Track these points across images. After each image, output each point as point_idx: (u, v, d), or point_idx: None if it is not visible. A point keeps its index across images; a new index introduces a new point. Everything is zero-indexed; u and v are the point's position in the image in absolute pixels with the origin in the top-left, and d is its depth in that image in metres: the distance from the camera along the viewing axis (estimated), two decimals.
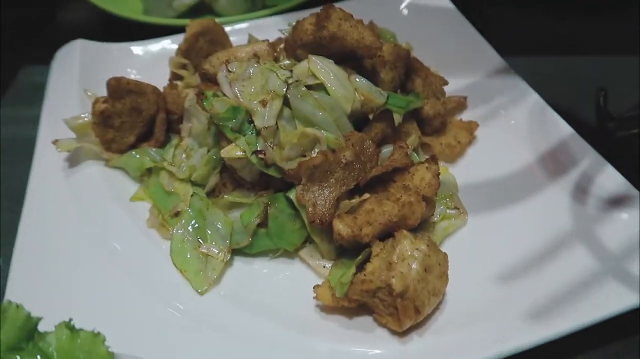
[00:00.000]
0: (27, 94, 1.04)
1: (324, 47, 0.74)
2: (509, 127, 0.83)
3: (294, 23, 0.92)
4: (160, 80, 0.92)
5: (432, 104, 0.80)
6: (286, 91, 0.67)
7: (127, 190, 0.76)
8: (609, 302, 0.56)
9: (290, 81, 0.68)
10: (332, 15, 0.72)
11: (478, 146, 0.83)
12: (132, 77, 0.93)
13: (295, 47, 0.76)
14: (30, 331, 0.42)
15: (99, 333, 0.43)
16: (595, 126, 0.92)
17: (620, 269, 0.60)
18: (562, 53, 1.14)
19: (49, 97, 0.87)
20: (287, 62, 0.73)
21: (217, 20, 1.03)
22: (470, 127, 0.83)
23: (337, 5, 1.08)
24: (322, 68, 0.70)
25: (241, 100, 0.68)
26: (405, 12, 1.10)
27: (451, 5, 1.09)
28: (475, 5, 1.19)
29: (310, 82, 0.69)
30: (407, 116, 0.79)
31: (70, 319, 0.43)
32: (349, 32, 0.73)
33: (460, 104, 0.88)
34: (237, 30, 1.03)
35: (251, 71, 0.70)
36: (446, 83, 0.85)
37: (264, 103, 0.66)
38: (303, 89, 0.67)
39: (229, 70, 0.73)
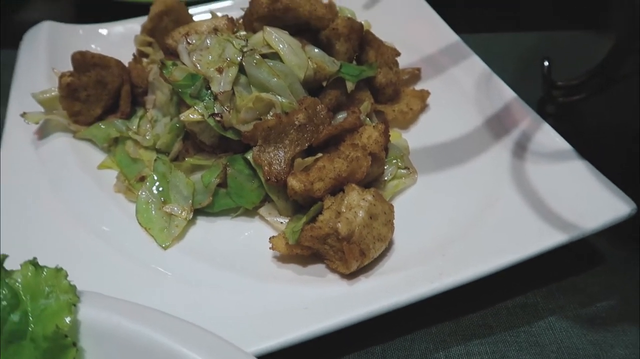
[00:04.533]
0: None
1: (279, 19, 0.78)
2: (458, 95, 0.88)
3: None
4: (126, 59, 0.95)
5: (384, 73, 0.85)
6: (241, 59, 0.71)
7: (95, 160, 0.79)
8: (534, 241, 0.62)
9: (245, 50, 0.72)
10: None
11: (429, 113, 0.88)
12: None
13: (252, 21, 0.80)
14: None
15: (61, 269, 0.47)
16: (541, 94, 0.99)
17: (549, 212, 0.65)
18: (511, 29, 1.20)
19: (17, 76, 0.90)
20: (244, 33, 0.77)
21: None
22: (422, 96, 0.88)
23: None
24: (277, 38, 0.75)
25: (199, 68, 0.72)
26: None
27: None
28: None
29: (265, 51, 0.74)
30: (361, 85, 0.84)
31: (35, 258, 0.47)
32: (302, 4, 0.77)
33: (414, 75, 0.93)
34: (201, 12, 1.06)
35: (208, 42, 0.74)
36: (398, 54, 0.90)
37: (220, 70, 0.70)
38: (257, 57, 0.72)
39: (188, 42, 0.77)
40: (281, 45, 0.74)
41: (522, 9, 1.28)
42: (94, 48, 0.98)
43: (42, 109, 0.82)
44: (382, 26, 1.06)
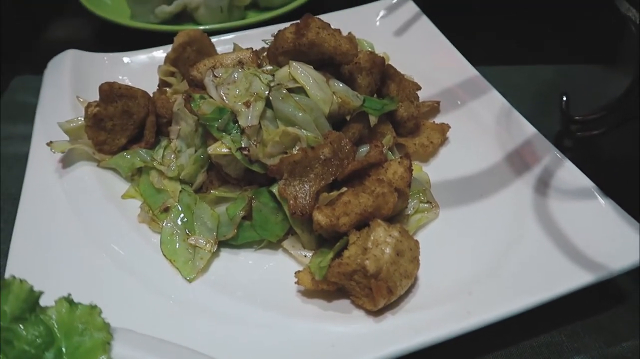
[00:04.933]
0: (20, 105, 1.07)
1: (304, 53, 0.80)
2: (478, 129, 0.89)
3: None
4: (149, 88, 0.97)
5: (405, 107, 0.86)
6: (268, 93, 0.72)
7: (119, 189, 0.80)
8: (560, 281, 0.61)
9: (272, 84, 0.73)
10: (311, 24, 0.78)
11: (449, 146, 0.89)
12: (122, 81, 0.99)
13: (277, 55, 0.81)
14: (32, 303, 0.45)
15: (95, 306, 0.47)
16: (559, 128, 1.00)
17: (575, 251, 0.65)
18: (529, 62, 1.21)
19: (42, 104, 0.91)
20: (270, 68, 0.78)
21: (201, 28, 1.10)
22: (443, 129, 0.89)
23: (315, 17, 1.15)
24: (302, 73, 0.76)
25: (226, 102, 0.73)
26: (380, 24, 1.17)
27: (424, 17, 1.15)
28: (445, 15, 1.27)
29: (291, 85, 0.75)
30: (383, 118, 0.85)
31: (69, 294, 0.47)
32: (327, 39, 0.78)
33: (434, 108, 0.94)
34: (223, 41, 1.08)
35: (236, 75, 0.75)
36: (419, 88, 0.91)
37: (247, 104, 0.71)
38: (284, 91, 0.73)
39: (215, 76, 0.78)
40: (307, 80, 0.75)
41: (539, 41, 1.30)
42: (117, 76, 1.00)
43: (67, 138, 0.83)
44: (400, 58, 1.08)
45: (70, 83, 0.95)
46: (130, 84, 0.97)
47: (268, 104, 0.73)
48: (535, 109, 1.06)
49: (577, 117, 0.96)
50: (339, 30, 0.81)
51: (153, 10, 1.24)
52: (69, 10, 1.42)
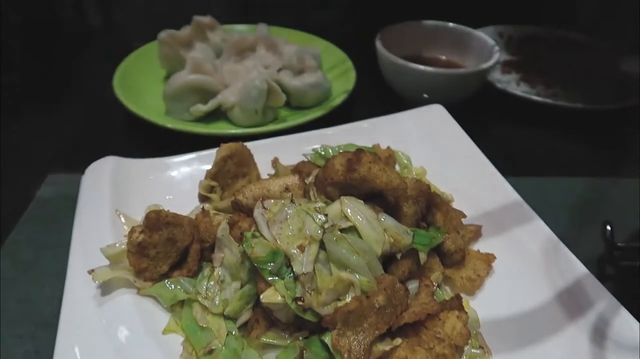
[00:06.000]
0: (52, 208, 1.06)
1: (354, 187, 0.79)
2: (524, 262, 0.87)
3: (318, 149, 0.99)
4: (188, 196, 0.96)
5: (453, 239, 0.85)
6: (322, 235, 0.71)
7: (159, 319, 0.77)
8: None
9: (326, 226, 0.72)
10: (362, 159, 0.78)
11: (495, 278, 0.87)
12: (161, 193, 0.98)
13: (325, 185, 0.81)
14: None
15: None
16: (601, 253, 0.98)
17: None
18: (564, 174, 1.21)
19: (79, 220, 0.89)
20: (321, 204, 0.77)
21: (234, 131, 1.12)
22: (488, 259, 0.87)
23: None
24: (354, 211, 0.75)
25: (279, 243, 0.71)
26: (413, 132, 1.17)
27: (457, 125, 1.16)
28: (479, 124, 1.29)
29: (343, 224, 0.73)
30: (430, 251, 0.83)
31: None
32: (378, 175, 0.78)
33: (476, 233, 0.93)
34: (260, 147, 1.08)
35: (288, 213, 0.74)
36: (464, 216, 0.90)
37: (302, 248, 0.70)
38: (338, 233, 0.71)
39: (264, 207, 0.77)
40: (359, 218, 0.74)
41: (571, 152, 1.31)
42: (158, 188, 0.99)
43: (105, 259, 0.81)
44: (435, 171, 1.08)
45: (110, 194, 0.93)
46: (170, 195, 0.98)
47: (321, 245, 0.71)
48: (572, 226, 1.06)
49: (619, 244, 0.95)
50: (388, 163, 0.81)
51: (188, 108, 1.25)
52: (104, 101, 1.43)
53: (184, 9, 1.83)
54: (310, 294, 0.68)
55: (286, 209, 0.75)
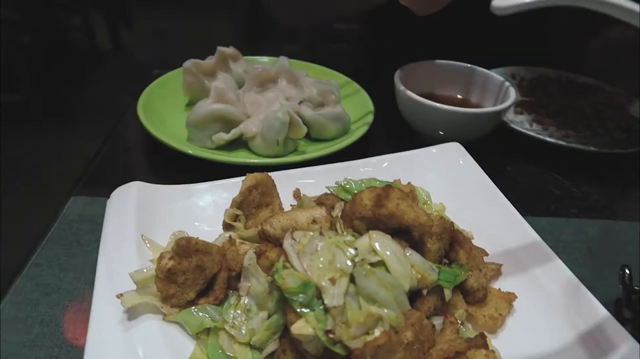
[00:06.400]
0: (74, 232, 1.07)
1: (382, 222, 0.81)
2: (544, 302, 0.87)
3: (342, 182, 1.01)
4: (211, 223, 0.98)
5: (475, 277, 0.86)
6: (352, 268, 0.72)
7: (184, 346, 0.77)
8: None
9: (356, 259, 0.73)
10: (391, 195, 0.80)
11: (516, 317, 0.87)
12: (185, 219, 0.99)
13: (353, 219, 0.82)
14: None
15: None
16: (618, 295, 0.99)
17: None
18: (579, 215, 1.23)
19: (105, 244, 0.89)
20: (350, 238, 0.78)
21: (255, 161, 1.16)
22: (509, 298, 0.88)
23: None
24: (382, 245, 0.76)
25: (310, 275, 0.72)
26: (431, 169, 1.19)
27: (476, 166, 1.18)
28: (493, 162, 1.31)
29: (372, 259, 0.75)
30: (454, 288, 0.84)
31: None
32: (406, 211, 0.80)
33: (497, 272, 0.94)
34: (282, 177, 1.09)
35: (318, 245, 0.75)
36: (486, 254, 0.92)
37: (333, 281, 0.71)
38: (368, 267, 0.73)
39: (293, 239, 0.78)
40: (388, 253, 0.75)
41: (586, 195, 1.33)
42: (184, 214, 1.00)
43: (131, 286, 0.82)
44: (454, 208, 1.10)
45: (135, 219, 0.95)
46: (196, 222, 0.99)
47: (351, 279, 0.72)
48: (589, 268, 1.07)
49: (637, 288, 0.96)
50: (415, 200, 0.83)
51: (210, 136, 1.27)
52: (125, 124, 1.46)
53: (197, 34, 1.88)
54: (340, 327, 0.69)
55: (316, 241, 0.76)
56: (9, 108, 1.59)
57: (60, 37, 2.29)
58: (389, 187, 0.81)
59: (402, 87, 1.36)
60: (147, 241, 0.91)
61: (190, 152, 1.22)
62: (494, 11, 0.62)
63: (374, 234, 0.78)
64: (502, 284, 0.93)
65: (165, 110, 1.42)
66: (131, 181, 1.04)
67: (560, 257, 0.93)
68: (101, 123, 1.52)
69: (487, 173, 1.15)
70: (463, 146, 1.23)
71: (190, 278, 0.80)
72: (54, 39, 2.23)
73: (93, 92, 1.72)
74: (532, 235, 0.98)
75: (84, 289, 0.93)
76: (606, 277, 1.04)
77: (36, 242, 1.03)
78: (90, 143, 1.41)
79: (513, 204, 1.06)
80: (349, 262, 0.73)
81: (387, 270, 0.74)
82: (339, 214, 0.87)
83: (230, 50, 1.51)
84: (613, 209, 1.28)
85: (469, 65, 1.52)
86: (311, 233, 0.79)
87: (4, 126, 1.43)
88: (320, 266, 0.73)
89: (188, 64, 1.42)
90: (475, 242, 1.00)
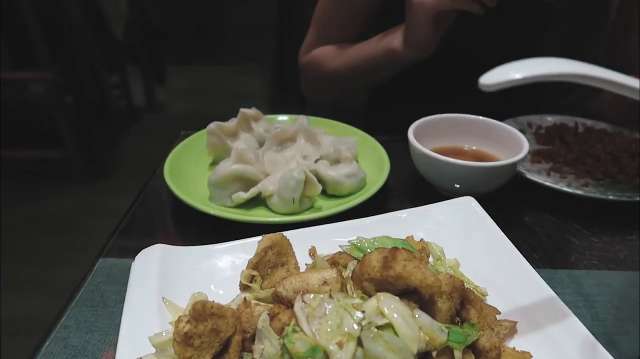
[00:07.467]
0: (101, 292, 1.13)
1: (390, 283, 0.83)
2: None
3: (354, 241, 1.03)
4: (229, 284, 1.02)
5: (487, 336, 0.86)
6: (360, 332, 0.74)
7: None
8: None
9: (363, 323, 0.75)
10: (398, 257, 0.82)
11: None
12: (205, 280, 1.03)
13: (362, 280, 0.85)
14: None
15: None
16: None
17: None
18: (600, 266, 1.22)
19: (128, 307, 0.94)
20: (358, 300, 0.81)
21: (272, 219, 1.19)
22: (524, 358, 0.87)
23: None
24: (390, 308, 0.78)
25: (318, 338, 0.74)
26: (445, 224, 1.20)
27: (490, 220, 1.19)
28: (510, 213, 1.31)
29: (380, 321, 0.77)
30: (465, 348, 0.84)
31: None
32: (413, 272, 0.82)
33: (511, 329, 0.94)
34: (298, 236, 1.13)
35: (327, 308, 0.78)
36: (498, 312, 0.92)
37: (340, 345, 0.73)
38: (375, 330, 0.74)
39: (304, 301, 0.81)
40: (395, 316, 0.77)
41: (603, 245, 1.31)
42: (203, 274, 1.04)
43: (152, 348, 0.86)
44: (468, 264, 1.10)
45: (157, 282, 0.99)
46: (213, 283, 1.03)
47: (358, 342, 0.74)
48: (610, 323, 1.05)
49: None
50: (423, 261, 0.85)
51: (230, 195, 1.33)
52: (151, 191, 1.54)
53: (225, 91, 1.98)
54: None
55: (325, 304, 0.79)
56: (52, 165, 1.69)
57: (99, 95, 2.44)
58: (395, 249, 0.83)
59: (416, 143, 1.40)
60: (167, 303, 0.95)
61: (212, 212, 1.27)
62: (482, 88, 0.66)
63: (382, 296, 0.80)
64: (517, 343, 0.92)
65: (190, 170, 1.49)
66: (157, 237, 1.09)
67: (580, 312, 0.92)
68: (135, 180, 1.61)
69: (504, 224, 1.16)
70: (481, 197, 1.24)
71: (206, 341, 0.83)
72: (94, 98, 2.38)
73: (127, 150, 1.82)
74: (547, 291, 0.98)
75: (108, 352, 0.97)
76: (629, 332, 1.02)
77: (67, 302, 1.09)
78: (124, 199, 1.49)
79: (531, 256, 1.06)
80: (356, 326, 0.75)
81: (395, 333, 0.76)
82: (350, 274, 0.89)
83: (252, 111, 1.59)
84: (636, 260, 1.25)
85: (483, 117, 1.55)
86: (321, 296, 0.82)
87: (50, 182, 1.53)
88: (329, 329, 0.75)
89: (212, 126, 1.50)
90: (489, 298, 1.01)
